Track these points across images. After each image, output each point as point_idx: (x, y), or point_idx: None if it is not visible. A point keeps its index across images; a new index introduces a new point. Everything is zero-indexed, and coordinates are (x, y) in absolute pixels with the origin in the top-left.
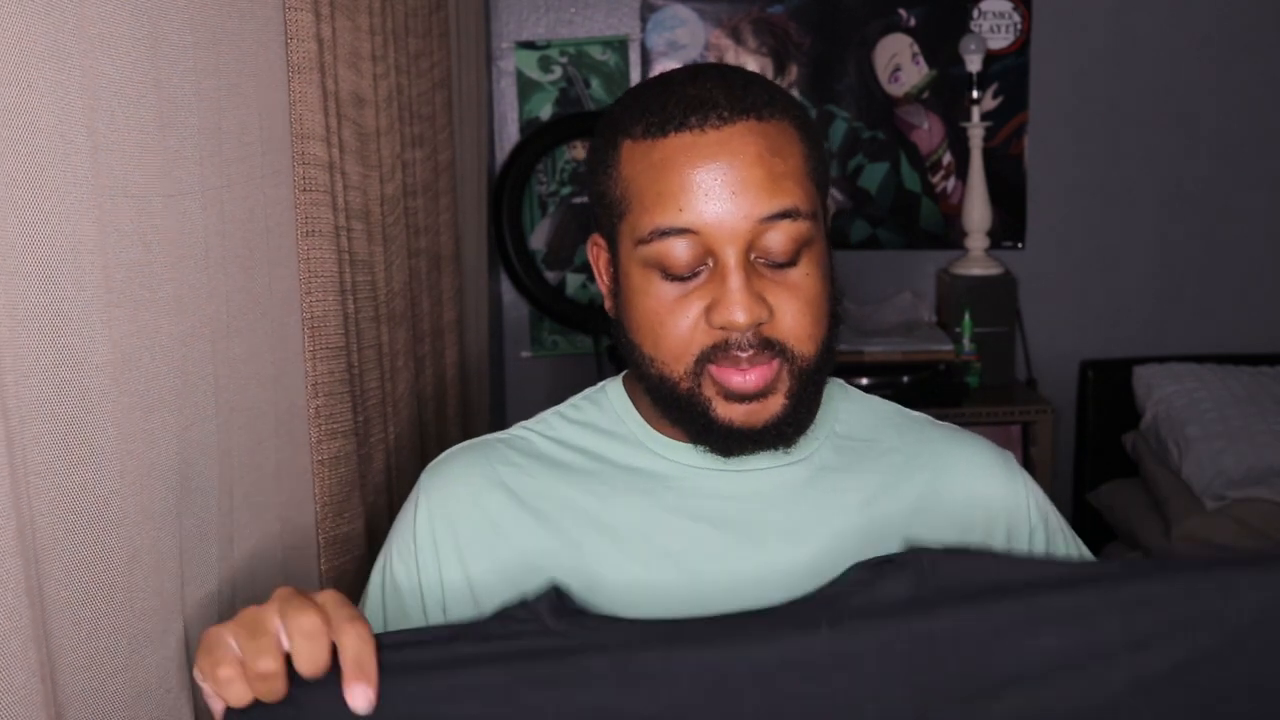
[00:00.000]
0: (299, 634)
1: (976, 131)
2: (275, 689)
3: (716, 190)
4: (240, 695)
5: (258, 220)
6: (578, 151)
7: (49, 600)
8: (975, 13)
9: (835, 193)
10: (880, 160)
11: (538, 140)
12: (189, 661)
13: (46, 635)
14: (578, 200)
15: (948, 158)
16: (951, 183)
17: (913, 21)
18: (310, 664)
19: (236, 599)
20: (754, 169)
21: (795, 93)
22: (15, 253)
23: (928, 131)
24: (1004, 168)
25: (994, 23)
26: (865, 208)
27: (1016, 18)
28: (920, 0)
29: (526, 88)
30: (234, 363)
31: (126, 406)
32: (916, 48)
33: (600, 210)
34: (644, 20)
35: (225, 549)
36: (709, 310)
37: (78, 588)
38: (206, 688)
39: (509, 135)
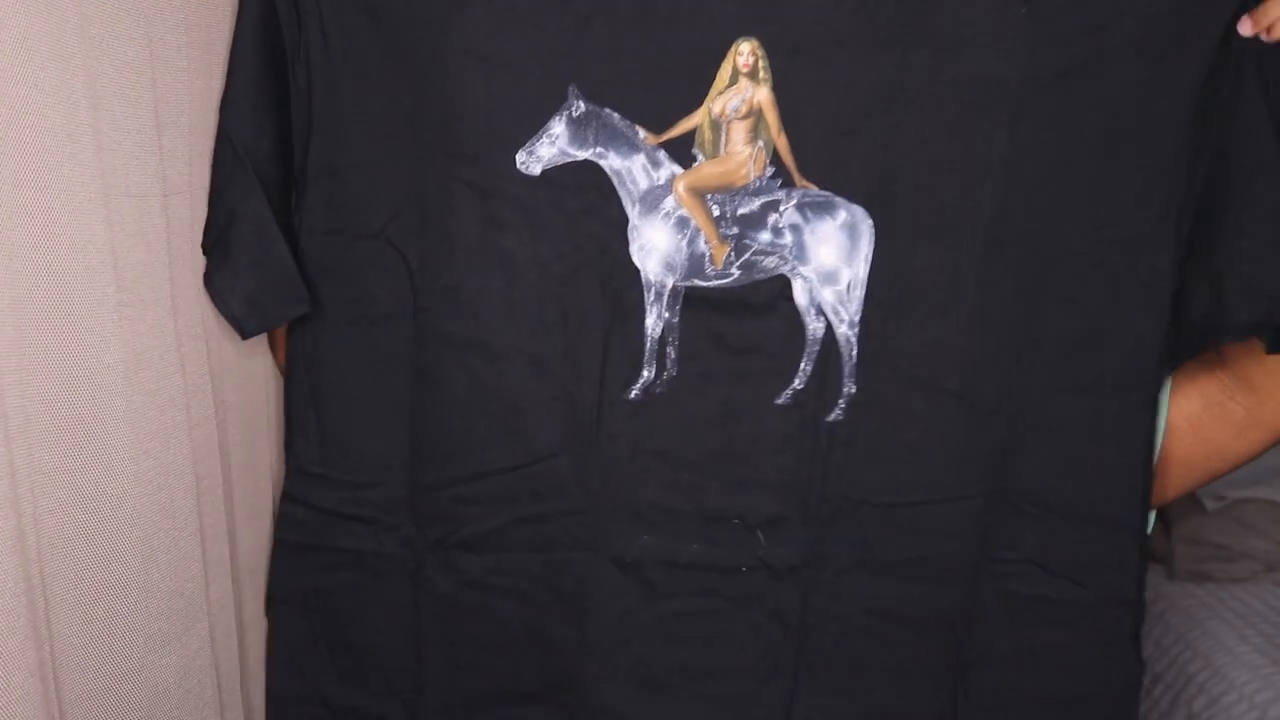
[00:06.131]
0: None
1: None
2: None
3: None
4: None
5: None
6: None
7: (56, 600)
8: None
9: None
10: None
11: None
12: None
13: (51, 636)
14: None
15: None
16: None
17: None
18: None
19: (242, 597)
20: None
21: None
22: (21, 253)
23: None
24: None
25: None
26: None
27: None
28: None
29: None
30: (228, 362)
31: (140, 406)
32: None
33: None
34: None
35: (232, 548)
36: None
37: (89, 587)
38: None
39: None
